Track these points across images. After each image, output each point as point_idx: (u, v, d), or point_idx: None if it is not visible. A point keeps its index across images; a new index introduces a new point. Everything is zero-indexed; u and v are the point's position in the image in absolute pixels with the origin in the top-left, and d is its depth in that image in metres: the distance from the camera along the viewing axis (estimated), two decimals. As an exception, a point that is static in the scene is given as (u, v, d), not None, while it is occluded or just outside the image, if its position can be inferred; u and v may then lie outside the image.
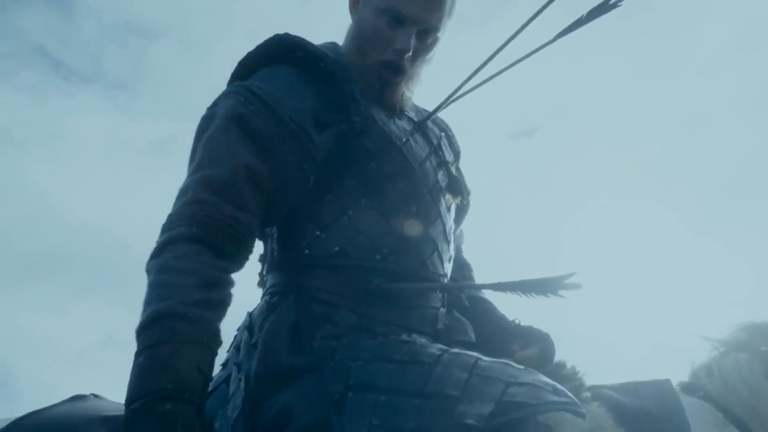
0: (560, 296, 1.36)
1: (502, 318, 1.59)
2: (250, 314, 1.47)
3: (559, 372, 1.42)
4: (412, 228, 1.47)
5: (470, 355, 1.28)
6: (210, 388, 1.39)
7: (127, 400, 1.19)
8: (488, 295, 1.65)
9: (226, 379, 1.41)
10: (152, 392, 1.17)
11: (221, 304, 1.29)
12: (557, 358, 1.48)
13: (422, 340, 1.35)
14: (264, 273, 1.51)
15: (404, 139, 1.51)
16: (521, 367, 1.27)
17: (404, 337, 1.35)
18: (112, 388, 1.29)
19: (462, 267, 1.74)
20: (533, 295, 1.38)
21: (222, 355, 1.48)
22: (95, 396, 1.65)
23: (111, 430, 1.41)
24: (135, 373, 1.20)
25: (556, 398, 1.20)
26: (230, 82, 1.53)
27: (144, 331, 1.23)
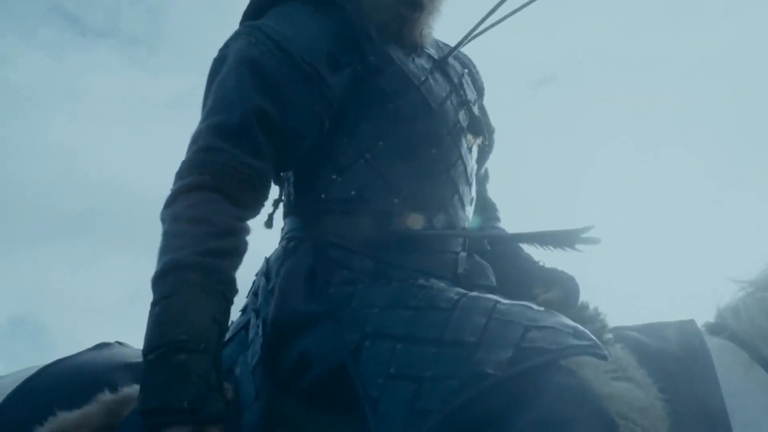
0: (577, 250, 1.33)
1: (526, 260, 1.56)
2: (267, 260, 1.46)
3: (581, 313, 1.39)
4: (432, 170, 1.43)
5: (489, 299, 1.26)
6: (230, 335, 1.39)
7: (143, 351, 1.20)
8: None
9: (245, 325, 1.41)
10: (167, 343, 1.17)
11: (236, 252, 1.28)
12: (580, 299, 1.45)
13: (440, 284, 1.33)
14: (273, 215, 1.49)
15: (423, 79, 1.46)
16: (542, 309, 1.25)
17: (422, 282, 1.32)
18: (140, 339, 1.30)
19: (487, 207, 1.71)
20: (550, 247, 1.35)
21: (242, 300, 1.49)
22: (120, 343, 1.67)
23: (135, 376, 1.43)
24: (151, 324, 1.21)
25: (576, 342, 1.18)
26: (242, 21, 1.48)
27: (158, 281, 1.22)
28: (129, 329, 1.69)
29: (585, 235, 1.31)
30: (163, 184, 1.35)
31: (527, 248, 1.59)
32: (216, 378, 1.18)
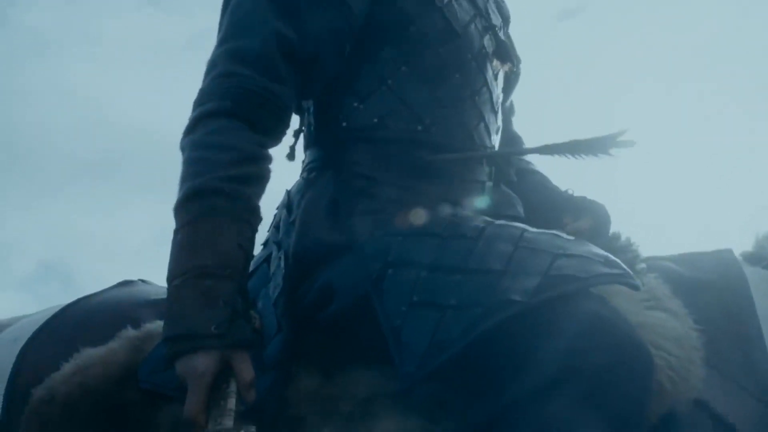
0: (612, 155, 1.27)
1: (553, 189, 1.51)
2: (288, 192, 1.42)
3: (612, 244, 1.34)
4: (456, 97, 1.38)
5: (516, 227, 1.22)
6: (251, 268, 1.37)
7: (168, 278, 1.18)
8: (538, 166, 1.57)
9: (266, 258, 1.38)
10: (192, 269, 1.14)
11: (259, 179, 1.24)
12: (611, 229, 1.40)
13: (466, 213, 1.28)
14: (295, 147, 1.45)
15: (446, 0, 1.39)
16: (571, 237, 1.20)
17: (447, 210, 1.28)
18: (164, 280, 1.28)
19: (512, 140, 1.65)
20: (582, 156, 1.29)
21: (263, 235, 1.46)
22: (143, 281, 1.66)
23: (158, 312, 1.42)
24: (174, 250, 1.18)
25: (607, 270, 1.13)
26: None
27: (181, 208, 1.20)
28: (155, 272, 1.68)
29: (620, 138, 1.25)
30: (183, 124, 1.32)
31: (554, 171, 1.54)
32: (242, 304, 1.15)
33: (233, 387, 1.14)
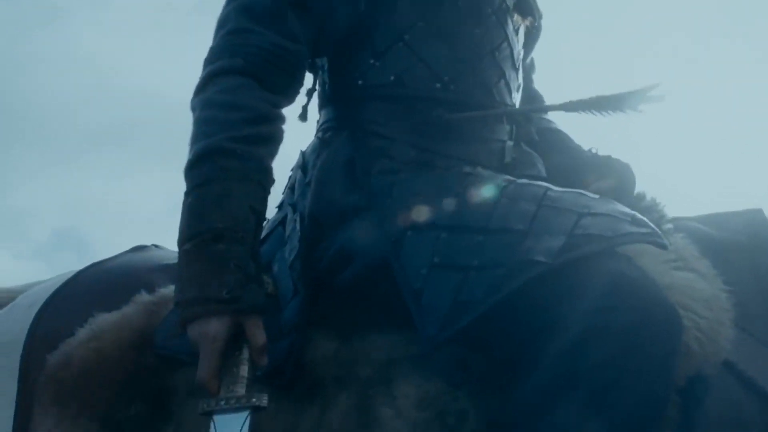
0: (641, 112, 1.22)
1: (576, 149, 1.47)
2: (303, 153, 1.38)
3: (637, 204, 1.29)
4: (476, 52, 1.33)
5: (538, 186, 1.18)
6: (266, 232, 1.34)
7: (179, 242, 1.16)
8: (560, 125, 1.52)
9: (282, 221, 1.35)
10: (203, 232, 1.12)
11: (272, 139, 1.22)
12: (636, 189, 1.36)
13: (486, 172, 1.24)
14: (308, 107, 1.41)
15: None
16: (596, 196, 1.16)
17: (467, 170, 1.24)
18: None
19: (533, 98, 1.59)
20: (609, 112, 1.24)
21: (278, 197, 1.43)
22: (156, 246, 1.64)
23: (172, 277, 1.39)
24: (185, 213, 1.16)
25: (634, 229, 1.09)
26: None
27: (191, 170, 1.17)
28: (169, 239, 1.65)
29: (650, 93, 1.20)
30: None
31: (579, 141, 1.50)
32: (254, 269, 1.13)
33: (246, 354, 1.12)
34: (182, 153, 1.23)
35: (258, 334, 1.11)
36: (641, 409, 1.00)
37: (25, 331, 1.44)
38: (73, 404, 1.32)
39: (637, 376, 1.00)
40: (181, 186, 1.20)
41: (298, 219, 1.29)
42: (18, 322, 1.46)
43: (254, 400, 1.09)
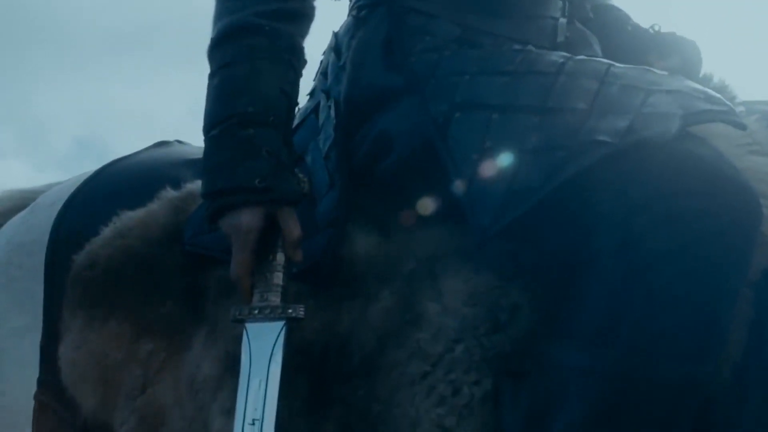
0: None
1: (635, 27, 1.33)
2: (335, 34, 1.27)
3: (704, 85, 1.18)
4: None
5: (600, 62, 1.06)
6: (297, 121, 1.25)
7: (204, 128, 1.08)
8: (618, 1, 1.39)
9: (314, 109, 1.25)
10: (231, 116, 1.04)
11: (302, 16, 1.12)
12: (702, 70, 1.24)
13: (539, 50, 1.13)
14: None
15: None
16: (664, 73, 1.05)
17: (517, 47, 1.13)
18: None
19: None
20: None
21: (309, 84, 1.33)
22: (179, 142, 1.55)
23: (197, 173, 1.31)
24: (211, 97, 1.08)
25: (709, 106, 0.98)
26: None
27: (216, 50, 1.08)
28: (194, 143, 1.57)
29: None
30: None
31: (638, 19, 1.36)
32: (287, 156, 1.05)
33: (280, 258, 1.06)
34: (203, 57, 1.14)
35: (293, 225, 1.05)
36: (713, 303, 0.92)
37: (48, 231, 1.38)
38: (102, 305, 1.27)
39: (711, 267, 0.91)
40: (202, 90, 1.12)
41: (332, 106, 1.20)
42: (40, 221, 1.41)
43: (290, 311, 1.04)
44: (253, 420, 1.01)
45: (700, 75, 1.23)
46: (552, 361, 0.97)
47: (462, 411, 0.98)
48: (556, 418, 0.94)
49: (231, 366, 1.09)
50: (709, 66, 1.24)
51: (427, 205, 1.10)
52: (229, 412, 1.05)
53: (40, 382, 1.33)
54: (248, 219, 1.03)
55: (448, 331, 1.03)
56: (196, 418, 1.13)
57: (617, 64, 1.05)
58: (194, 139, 1.23)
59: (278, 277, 1.06)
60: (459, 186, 1.02)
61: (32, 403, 1.33)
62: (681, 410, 0.92)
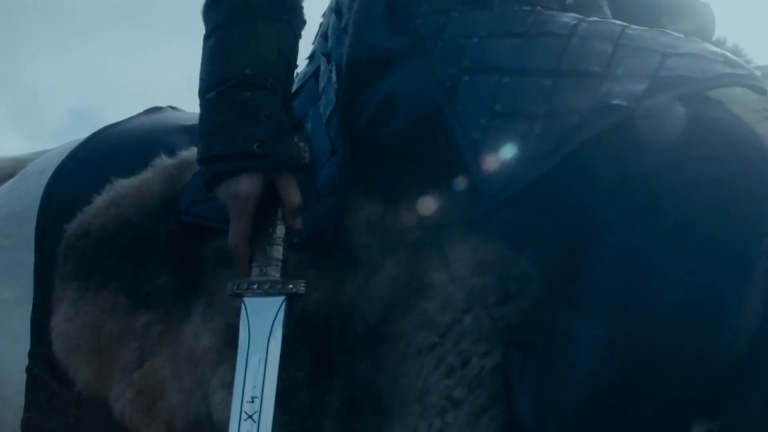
0: None
1: None
2: (336, -6, 1.22)
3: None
4: None
5: (614, 24, 1.02)
6: (296, 86, 1.20)
7: (200, 91, 1.03)
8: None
9: (314, 73, 1.21)
10: (228, 78, 1.00)
11: None
12: (715, 33, 1.20)
13: (549, 11, 1.09)
14: None
15: None
16: (680, 35, 1.01)
17: (526, 8, 1.08)
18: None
19: None
20: None
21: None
22: (172, 108, 1.50)
23: (193, 140, 1.27)
24: (206, 59, 1.04)
25: (729, 70, 0.94)
26: None
27: (211, 9, 1.04)
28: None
29: None
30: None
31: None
32: (287, 120, 1.01)
33: (280, 231, 1.03)
34: (200, 27, 1.09)
35: (293, 192, 1.01)
36: (730, 273, 0.89)
37: (38, 199, 1.33)
38: (96, 276, 1.24)
39: (728, 236, 0.88)
40: (199, 61, 1.07)
41: (333, 69, 1.15)
42: (30, 189, 1.36)
43: (291, 286, 1.00)
44: (252, 398, 0.97)
45: (713, 38, 1.20)
46: (563, 332, 0.94)
47: (472, 383, 0.96)
48: (567, 389, 0.92)
49: (231, 338, 1.06)
50: (722, 29, 1.20)
51: (432, 172, 1.07)
52: (230, 385, 1.01)
53: (32, 355, 1.30)
54: (246, 185, 0.99)
55: (456, 301, 1.00)
56: (196, 391, 1.10)
57: (632, 26, 1.01)
58: (191, 108, 1.19)
59: (278, 251, 1.03)
60: (467, 151, 0.98)
61: (24, 376, 1.30)
62: (696, 382, 0.90)
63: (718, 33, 1.21)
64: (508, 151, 0.95)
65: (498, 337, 0.98)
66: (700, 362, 0.89)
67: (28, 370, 1.30)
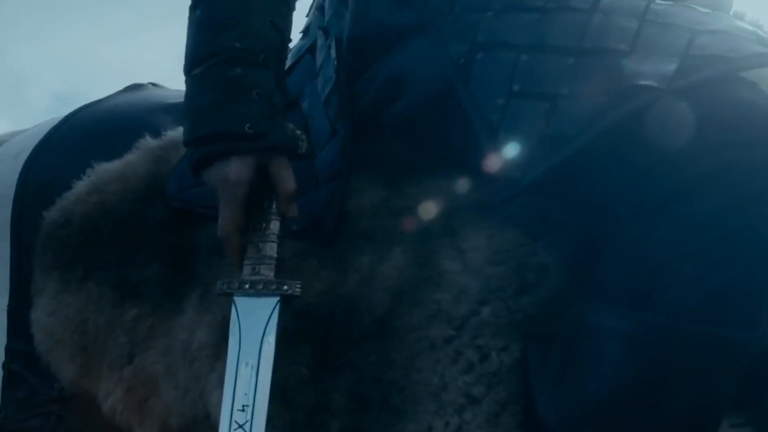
0: None
1: None
2: (334, -37, 1.14)
3: (736, 24, 1.09)
4: None
5: None
6: (290, 62, 1.13)
7: (186, 67, 0.96)
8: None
9: (310, 48, 1.14)
10: (217, 53, 0.93)
11: None
12: (733, 7, 1.15)
13: None
14: None
15: None
16: (708, 11, 0.96)
17: None
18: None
19: None
20: None
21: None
22: (154, 85, 1.42)
23: (178, 119, 1.19)
24: (192, 31, 0.96)
25: (763, 49, 0.89)
26: None
27: None
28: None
29: None
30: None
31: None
32: (281, 99, 0.95)
33: (274, 227, 0.96)
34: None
35: (287, 177, 0.95)
36: (766, 263, 0.84)
37: (14, 185, 1.25)
38: (78, 266, 1.17)
39: (764, 225, 0.83)
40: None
41: (332, 45, 1.08)
42: (4, 174, 1.28)
43: (285, 287, 0.94)
44: (243, 406, 0.91)
45: (731, 12, 1.14)
46: (586, 324, 0.89)
47: (491, 379, 0.91)
48: (591, 382, 0.87)
49: (228, 332, 0.99)
50: (740, 4, 1.15)
51: (443, 154, 1.01)
52: (229, 384, 0.95)
53: (9, 350, 1.22)
54: (237, 169, 0.92)
55: (472, 292, 0.94)
56: (191, 388, 1.04)
57: (657, 0, 0.95)
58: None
59: (272, 248, 0.96)
60: (483, 134, 0.92)
61: (0, 372, 1.22)
62: (727, 376, 0.86)
63: (736, 7, 1.15)
64: (529, 134, 0.90)
65: (515, 331, 0.93)
66: (733, 356, 0.85)
67: (5, 366, 1.23)
